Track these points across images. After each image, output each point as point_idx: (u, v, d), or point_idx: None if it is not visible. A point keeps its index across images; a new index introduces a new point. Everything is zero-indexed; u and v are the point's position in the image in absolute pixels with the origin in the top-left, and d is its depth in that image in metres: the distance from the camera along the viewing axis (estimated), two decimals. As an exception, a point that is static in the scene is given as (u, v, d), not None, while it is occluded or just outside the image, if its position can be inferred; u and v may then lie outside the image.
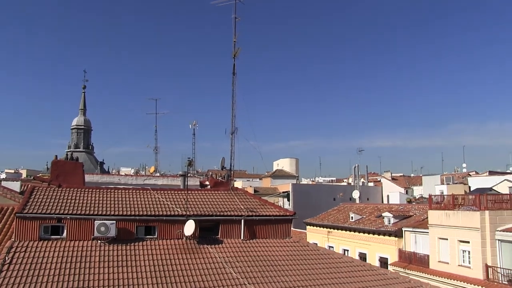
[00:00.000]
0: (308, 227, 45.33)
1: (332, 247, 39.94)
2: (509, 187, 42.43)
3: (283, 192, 59.29)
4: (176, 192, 19.86)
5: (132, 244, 15.82)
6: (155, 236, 16.67)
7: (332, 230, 41.07)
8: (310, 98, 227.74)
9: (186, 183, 21.24)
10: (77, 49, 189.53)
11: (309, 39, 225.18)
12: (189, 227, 16.46)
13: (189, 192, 19.56)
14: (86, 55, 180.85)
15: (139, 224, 16.67)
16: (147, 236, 16.62)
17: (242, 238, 17.64)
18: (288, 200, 57.03)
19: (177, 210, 17.45)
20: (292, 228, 21.35)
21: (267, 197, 50.76)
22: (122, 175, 38.82)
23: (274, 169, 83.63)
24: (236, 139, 22.05)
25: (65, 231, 15.67)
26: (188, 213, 17.21)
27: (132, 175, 36.80)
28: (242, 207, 18.67)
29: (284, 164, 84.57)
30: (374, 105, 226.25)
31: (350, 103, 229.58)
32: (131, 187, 21.43)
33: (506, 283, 24.44)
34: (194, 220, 16.66)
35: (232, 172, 22.66)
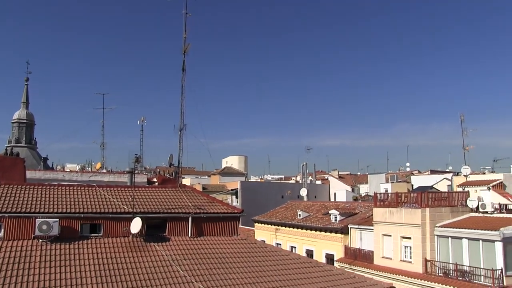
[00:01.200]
0: (256, 224, 45.58)
1: (280, 244, 40.31)
2: (448, 185, 44.28)
3: (232, 190, 59.31)
4: (122, 189, 19.46)
5: (76, 242, 15.37)
6: (101, 234, 16.28)
7: (280, 227, 41.45)
8: (260, 96, 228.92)
9: (133, 180, 20.83)
10: (20, 40, 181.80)
11: (261, 36, 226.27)
12: (136, 225, 16.17)
13: (136, 189, 19.21)
14: (29, 46, 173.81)
15: (83, 222, 16.22)
16: (92, 234, 16.20)
17: (189, 235, 17.52)
18: (237, 197, 57.13)
19: (124, 208, 17.10)
20: (240, 226, 21.41)
21: (216, 194, 50.60)
22: (66, 171, 37.55)
23: (223, 166, 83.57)
24: (184, 136, 21.79)
25: (2, 230, 14.99)
26: (134, 211, 16.90)
27: (77, 172, 35.61)
28: (190, 205, 18.53)
29: (233, 161, 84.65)
30: (323, 105, 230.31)
31: (300, 102, 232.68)
32: (75, 184, 20.80)
33: (442, 275, 25.57)
34: (140, 217, 16.38)
35: (180, 169, 22.40)
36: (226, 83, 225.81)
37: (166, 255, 15.48)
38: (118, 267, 14.26)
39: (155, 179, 29.56)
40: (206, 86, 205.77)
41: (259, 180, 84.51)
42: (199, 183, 64.72)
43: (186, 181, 61.66)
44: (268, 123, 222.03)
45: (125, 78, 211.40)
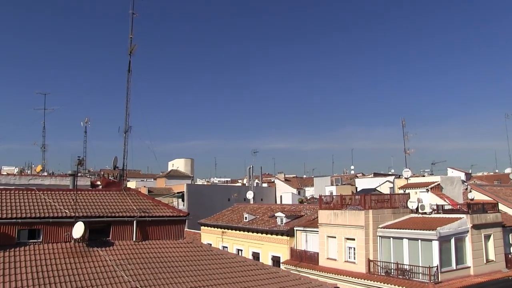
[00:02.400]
0: (202, 227, 45.29)
1: (226, 247, 40.24)
2: (390, 188, 45.74)
3: (178, 193, 58.69)
4: (64, 192, 18.81)
5: (13, 249, 14.67)
6: (40, 240, 15.64)
7: (226, 230, 41.39)
8: (206, 98, 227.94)
9: (75, 183, 20.19)
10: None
11: (210, 39, 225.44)
12: (78, 229, 15.66)
13: (79, 192, 18.62)
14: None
15: (21, 227, 15.53)
16: (31, 240, 15.54)
17: (134, 239, 17.16)
18: (183, 200, 56.58)
19: (65, 212, 16.53)
20: (186, 229, 21.21)
21: (161, 197, 49.89)
22: (3, 174, 35.79)
23: (169, 169, 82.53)
24: (130, 138, 21.40)
25: None
26: (77, 215, 16.38)
27: (15, 175, 34.06)
28: (135, 208, 18.17)
29: (179, 164, 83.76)
30: (270, 108, 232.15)
31: (247, 105, 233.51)
32: (13, 187, 19.89)
33: (384, 274, 26.39)
34: (83, 221, 15.89)
35: (125, 172, 21.94)
36: (172, 85, 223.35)
37: (110, 260, 15.09)
38: (58, 274, 13.74)
39: (99, 182, 28.75)
40: (152, 87, 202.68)
41: (205, 183, 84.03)
42: (144, 186, 63.59)
43: (131, 184, 60.45)
44: (214, 125, 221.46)
45: (68, 79, 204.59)
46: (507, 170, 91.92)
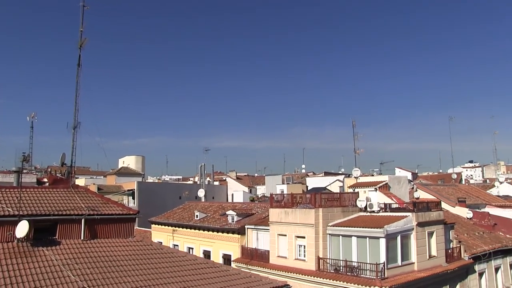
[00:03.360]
0: (153, 225, 44.65)
1: (177, 245, 39.86)
2: (340, 187, 46.70)
3: (128, 190, 57.64)
4: (7, 190, 18.05)
5: (-50, 249, 13.97)
6: (-20, 240, 14.96)
7: (177, 228, 41.00)
8: (159, 96, 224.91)
9: (20, 180, 19.42)
10: None
11: (164, 36, 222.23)
12: (22, 228, 15.08)
13: (23, 190, 17.92)
14: None
15: (-41, 226, 14.80)
16: (-30, 240, 14.83)
17: (82, 238, 16.72)
18: (133, 198, 55.63)
19: (8, 210, 15.88)
20: (136, 227, 20.87)
21: (111, 195, 48.78)
22: None
23: (120, 166, 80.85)
24: (79, 134, 20.72)
25: None
26: (21, 213, 15.76)
27: (-47, 171, 32.43)
28: (83, 206, 17.69)
29: (130, 161, 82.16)
30: (222, 106, 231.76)
31: (199, 103, 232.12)
32: (-50, 184, 18.93)
33: (333, 271, 26.91)
34: (27, 220, 15.31)
35: (73, 169, 21.27)
36: (124, 81, 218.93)
37: (56, 260, 14.62)
38: (0, 275, 13.18)
39: (45, 179, 27.80)
40: (103, 83, 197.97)
41: (156, 181, 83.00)
42: (94, 184, 62.05)
43: (80, 181, 58.93)
44: (166, 123, 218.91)
45: (12, 71, 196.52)
46: (450, 170, 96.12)
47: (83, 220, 16.87)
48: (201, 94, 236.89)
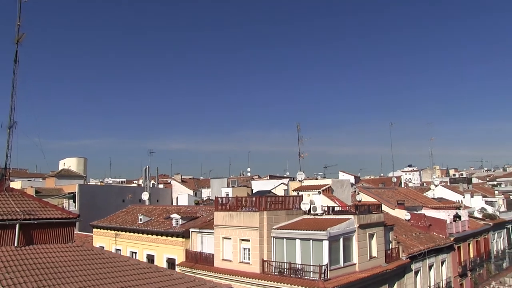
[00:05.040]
0: (95, 230, 43.36)
1: (120, 250, 38.95)
2: (284, 190, 47.16)
3: (69, 193, 55.72)
4: None
5: None
6: None
7: (120, 232, 40.05)
8: (102, 95, 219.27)
9: None
10: None
11: (107, 32, 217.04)
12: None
13: (-49, 193, 16.89)
14: None
15: None
16: None
17: (16, 244, 15.91)
18: (74, 201, 53.83)
19: None
20: (76, 232, 20.18)
21: (50, 198, 47.11)
22: None
23: (60, 168, 78.06)
24: (15, 134, 19.75)
25: None
26: None
27: None
28: (18, 210, 16.87)
29: (71, 163, 79.56)
30: (168, 108, 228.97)
31: (143, 104, 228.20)
32: None
33: (277, 274, 27.15)
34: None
35: (7, 171, 20.26)
36: (64, 80, 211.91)
37: (-14, 269, 13.84)
38: None
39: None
40: (42, 81, 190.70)
41: (99, 184, 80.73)
42: (31, 186, 59.49)
43: (16, 184, 56.48)
44: (110, 124, 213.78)
45: None
46: (390, 174, 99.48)
47: (17, 225, 16.08)
48: (145, 95, 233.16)
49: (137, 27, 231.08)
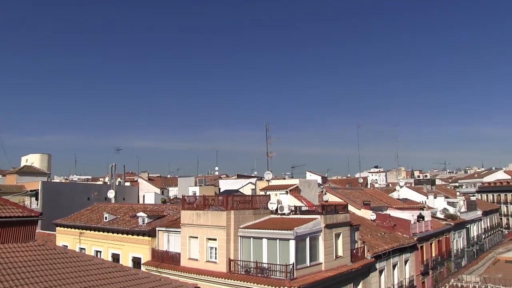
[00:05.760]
0: (58, 228, 42.38)
1: (84, 249, 38.25)
2: (252, 189, 47.19)
3: (31, 191, 54.32)
4: None
5: None
6: None
7: (84, 231, 39.31)
8: (66, 91, 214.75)
9: None
10: None
11: (69, 28, 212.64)
12: None
13: None
14: None
15: None
16: None
17: (-28, 244, 15.38)
18: (37, 199, 52.55)
19: None
20: (38, 230, 19.67)
21: (11, 196, 45.76)
22: None
23: (22, 165, 75.96)
24: (-28, 129, 19.14)
25: None
26: None
27: None
28: (-24, 208, 16.33)
29: (34, 160, 77.45)
30: (134, 105, 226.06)
31: (109, 101, 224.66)
32: None
33: (244, 273, 27.16)
34: None
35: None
36: (27, 74, 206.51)
37: None
38: None
39: None
40: (4, 76, 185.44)
41: (63, 181, 79.05)
42: (-10, 184, 57.76)
43: (-29, 181, 54.74)
44: (75, 120, 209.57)
45: None
46: (357, 175, 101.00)
47: (-25, 224, 15.56)
48: (112, 92, 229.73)
49: (99, 25, 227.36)
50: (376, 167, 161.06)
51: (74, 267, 15.76)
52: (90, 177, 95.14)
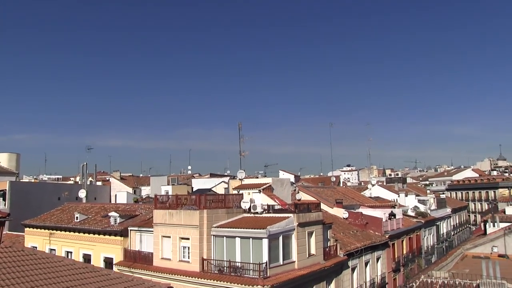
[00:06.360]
0: (27, 229, 41.45)
1: (54, 250, 37.56)
2: (225, 188, 47.21)
3: (-1, 191, 53.00)
4: None
5: None
6: None
7: (54, 231, 38.58)
8: (38, 89, 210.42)
9: None
10: None
11: (39, 26, 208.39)
12: None
13: None
14: None
15: None
16: None
17: None
18: (4, 199, 51.31)
19: None
20: (6, 231, 19.23)
21: (-23, 196, 44.61)
22: None
23: (-11, 164, 74.14)
24: None
25: None
26: None
27: None
28: None
29: (2, 159, 75.63)
30: (106, 104, 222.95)
31: (81, 98, 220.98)
32: None
33: (217, 272, 27.14)
34: None
35: None
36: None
37: None
38: None
39: None
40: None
41: (33, 181, 77.41)
42: (-46, 184, 56.07)
43: None
44: (45, 118, 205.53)
45: None
46: (330, 173, 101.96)
47: None
48: (84, 90, 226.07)
49: (64, 20, 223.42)
50: (348, 165, 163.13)
51: (43, 268, 15.47)
52: (60, 176, 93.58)
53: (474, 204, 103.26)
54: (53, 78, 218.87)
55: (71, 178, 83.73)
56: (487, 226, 38.84)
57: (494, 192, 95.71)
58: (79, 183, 62.54)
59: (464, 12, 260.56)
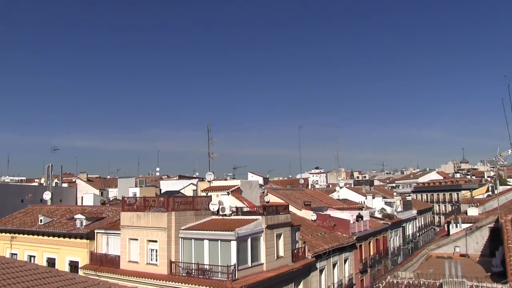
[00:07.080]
0: (-14, 233, 40.25)
1: (16, 254, 36.58)
2: (194, 190, 46.94)
3: (-42, 193, 51.28)
4: None
5: None
6: None
7: (16, 235, 37.59)
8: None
9: None
10: None
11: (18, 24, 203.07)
12: None
13: None
14: None
15: None
16: None
17: None
18: (-36, 202, 49.67)
19: None
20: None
21: None
22: None
23: None
24: None
25: None
26: None
27: None
28: None
29: (-38, 160, 73.51)
30: (73, 103, 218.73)
31: (45, 97, 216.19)
32: None
33: (185, 275, 26.95)
34: None
35: None
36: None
37: None
38: None
39: None
40: None
41: (-5, 182, 75.29)
42: None
43: None
44: (8, 117, 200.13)
45: None
46: (298, 176, 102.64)
47: None
48: (50, 88, 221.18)
49: (36, 18, 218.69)
50: (317, 168, 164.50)
51: (3, 274, 15.03)
52: (24, 178, 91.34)
53: (439, 205, 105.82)
54: (17, 74, 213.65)
55: (36, 180, 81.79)
56: (451, 227, 39.80)
57: (457, 194, 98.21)
58: (44, 185, 61.13)
59: (430, 17, 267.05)
